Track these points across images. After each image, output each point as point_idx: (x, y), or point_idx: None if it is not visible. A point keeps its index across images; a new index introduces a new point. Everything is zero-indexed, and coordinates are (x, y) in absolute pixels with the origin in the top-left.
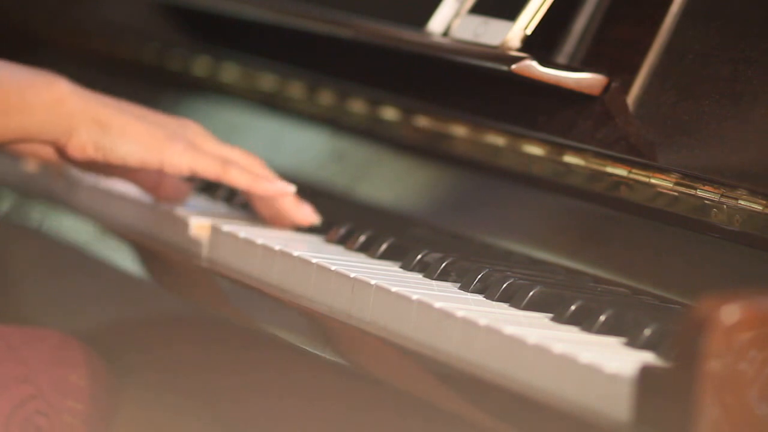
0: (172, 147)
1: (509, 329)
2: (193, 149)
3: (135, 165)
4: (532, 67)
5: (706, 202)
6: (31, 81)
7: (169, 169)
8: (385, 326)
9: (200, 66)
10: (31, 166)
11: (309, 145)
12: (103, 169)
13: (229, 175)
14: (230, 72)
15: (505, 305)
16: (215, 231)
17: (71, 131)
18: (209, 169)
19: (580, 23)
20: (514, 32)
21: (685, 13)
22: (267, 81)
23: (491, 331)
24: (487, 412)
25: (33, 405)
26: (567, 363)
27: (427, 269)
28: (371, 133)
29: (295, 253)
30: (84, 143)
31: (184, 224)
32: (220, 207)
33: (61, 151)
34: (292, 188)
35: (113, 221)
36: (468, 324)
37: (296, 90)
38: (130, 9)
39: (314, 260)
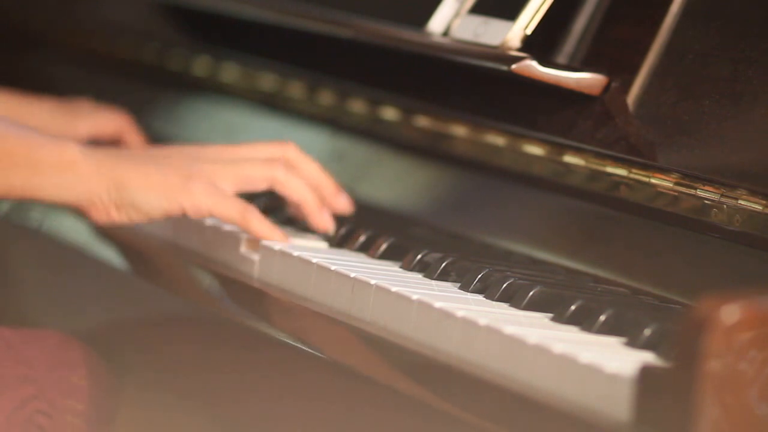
0: (192, 191)
1: (509, 329)
2: (213, 192)
3: (158, 216)
4: (532, 67)
5: (706, 202)
6: (41, 142)
7: (191, 213)
8: (385, 326)
9: (200, 66)
10: None
11: (309, 145)
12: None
13: (247, 224)
14: (230, 72)
15: (505, 305)
16: (215, 231)
17: (90, 196)
18: (229, 217)
19: (580, 23)
20: (514, 32)
21: (685, 13)
22: (267, 81)
23: (491, 331)
24: (487, 412)
25: (34, 405)
26: (567, 363)
27: (427, 269)
28: (371, 133)
29: (295, 253)
30: (107, 207)
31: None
32: None
33: (85, 215)
34: (345, 204)
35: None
36: (468, 324)
37: (296, 90)
38: (130, 9)
39: (314, 260)
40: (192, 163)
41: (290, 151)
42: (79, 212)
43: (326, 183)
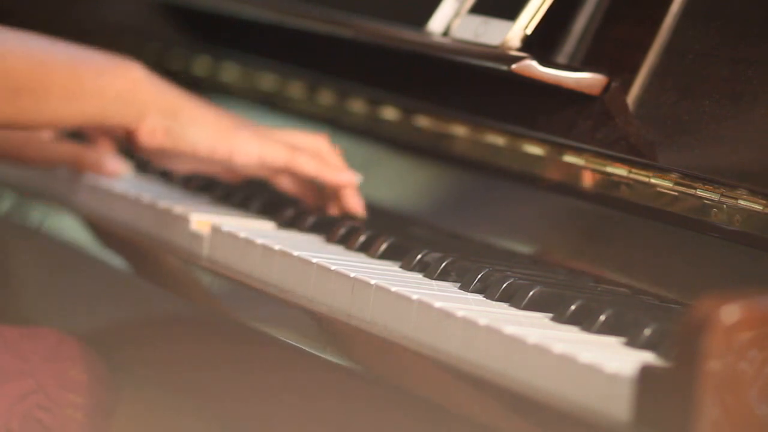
0: (241, 135)
1: (509, 329)
2: (261, 137)
3: (205, 152)
4: (532, 66)
5: (706, 202)
6: (105, 67)
7: (238, 157)
8: (385, 326)
9: (200, 66)
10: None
11: None
12: (171, 159)
13: (298, 162)
14: (230, 72)
15: (505, 305)
16: (215, 231)
17: (143, 117)
18: (278, 157)
19: (580, 23)
20: (514, 32)
21: (685, 13)
22: (267, 81)
23: (491, 331)
24: (487, 411)
25: (33, 399)
26: (567, 363)
27: (427, 269)
28: (371, 133)
29: (296, 253)
30: (155, 129)
31: (185, 221)
32: (220, 207)
33: (131, 137)
34: (357, 178)
35: (113, 221)
36: (468, 324)
37: (296, 90)
38: (130, 9)
39: (314, 260)
40: (245, 121)
41: (322, 144)
42: (127, 134)
43: (352, 183)
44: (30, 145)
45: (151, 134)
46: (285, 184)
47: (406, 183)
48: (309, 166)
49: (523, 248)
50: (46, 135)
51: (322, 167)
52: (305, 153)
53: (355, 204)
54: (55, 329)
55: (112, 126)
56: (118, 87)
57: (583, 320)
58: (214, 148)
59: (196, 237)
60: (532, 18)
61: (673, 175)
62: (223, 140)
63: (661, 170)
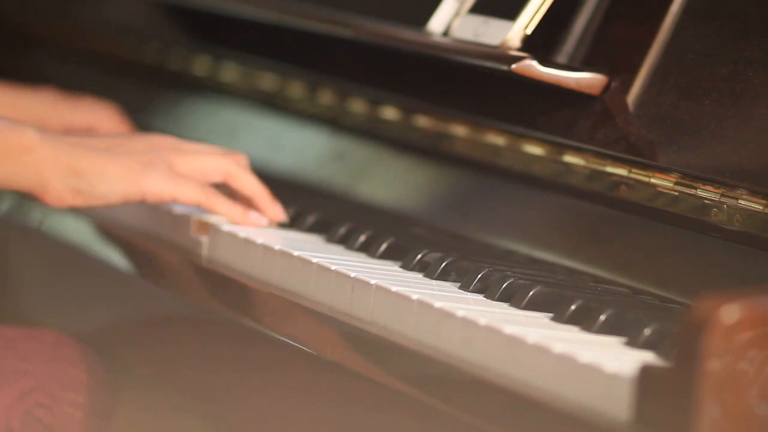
0: (152, 177)
1: (509, 329)
2: (172, 176)
3: (117, 202)
4: (532, 66)
5: (706, 201)
6: None
7: (151, 199)
8: (386, 326)
9: (200, 66)
10: None
11: (309, 145)
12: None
13: (211, 204)
14: (230, 72)
15: (505, 305)
16: (215, 230)
17: (46, 182)
18: (191, 198)
19: (580, 23)
20: (514, 32)
21: (685, 13)
22: (267, 81)
23: (491, 331)
24: (487, 412)
25: (34, 397)
26: (567, 363)
27: (427, 269)
28: (371, 133)
29: (296, 253)
30: (61, 192)
31: (184, 221)
32: None
33: (40, 200)
34: (263, 221)
35: (113, 221)
36: (468, 324)
37: (296, 90)
38: (130, 9)
39: (314, 260)
40: (151, 150)
41: (243, 158)
42: (32, 197)
43: (264, 192)
44: None
45: (59, 198)
46: None
47: (406, 183)
48: (222, 209)
49: (523, 248)
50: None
51: (233, 210)
52: (219, 196)
53: (276, 212)
54: (54, 329)
55: (13, 190)
56: (11, 149)
57: (583, 320)
58: (126, 196)
59: (196, 237)
60: (532, 18)
61: (673, 175)
62: (133, 186)
63: (661, 170)
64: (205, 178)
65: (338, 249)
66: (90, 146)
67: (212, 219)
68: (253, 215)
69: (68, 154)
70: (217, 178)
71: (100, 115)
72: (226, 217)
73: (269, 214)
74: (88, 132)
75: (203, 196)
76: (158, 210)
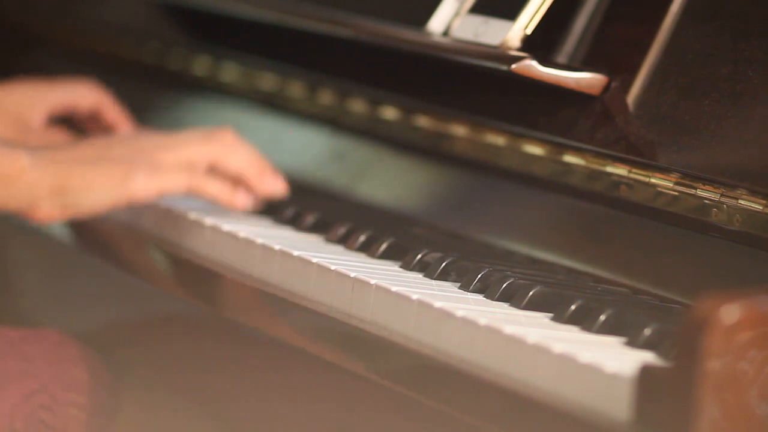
0: (136, 180)
1: (509, 329)
2: (156, 171)
3: (105, 210)
4: (532, 66)
5: (706, 201)
6: None
7: (139, 199)
8: (385, 326)
9: (200, 66)
10: None
11: (309, 145)
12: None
13: (198, 186)
14: (230, 72)
15: (505, 305)
16: (215, 230)
17: (34, 203)
18: (179, 186)
19: (580, 23)
20: (514, 32)
21: (685, 13)
22: (267, 81)
23: (491, 331)
24: (487, 412)
25: (37, 399)
26: (567, 363)
27: (427, 269)
28: (371, 133)
29: (296, 253)
30: (50, 211)
31: (184, 220)
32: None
33: (27, 218)
34: (248, 201)
35: (113, 220)
36: (468, 324)
37: (296, 90)
38: (130, 9)
39: (314, 260)
40: (135, 153)
41: (227, 135)
42: (21, 216)
43: (263, 163)
44: (30, 137)
45: (48, 216)
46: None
47: (406, 183)
48: (211, 189)
49: (523, 248)
50: (39, 124)
51: (221, 189)
52: (205, 176)
53: (273, 187)
54: (56, 330)
55: (6, 212)
56: (3, 174)
57: (583, 320)
58: (114, 203)
59: (196, 236)
60: (532, 18)
61: (673, 175)
62: (119, 191)
63: (661, 170)
64: (192, 168)
65: (338, 249)
66: (75, 159)
67: (212, 219)
68: (240, 196)
69: (55, 173)
70: (204, 165)
71: (79, 91)
72: (215, 198)
73: (260, 190)
74: (71, 110)
75: (189, 180)
76: (158, 210)
